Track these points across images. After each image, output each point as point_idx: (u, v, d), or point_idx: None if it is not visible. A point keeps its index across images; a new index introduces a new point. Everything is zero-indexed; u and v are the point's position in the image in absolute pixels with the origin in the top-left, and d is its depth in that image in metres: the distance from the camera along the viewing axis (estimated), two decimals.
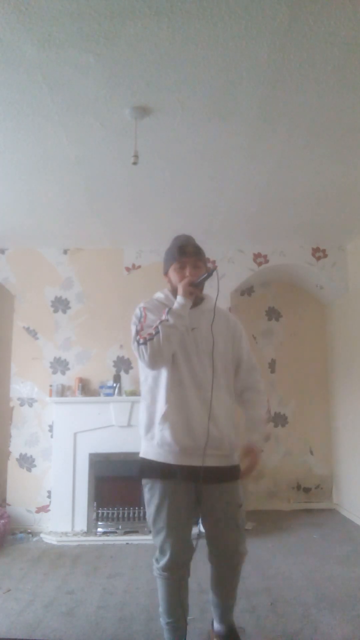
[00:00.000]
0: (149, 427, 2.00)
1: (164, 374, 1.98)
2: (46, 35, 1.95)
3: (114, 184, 3.33)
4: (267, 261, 4.66)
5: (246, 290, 5.22)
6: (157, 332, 1.88)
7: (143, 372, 2.07)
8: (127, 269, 4.70)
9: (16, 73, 2.17)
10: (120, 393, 4.33)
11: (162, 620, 2.02)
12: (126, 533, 4.01)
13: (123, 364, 4.52)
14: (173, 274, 2.08)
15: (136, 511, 4.10)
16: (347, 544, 3.75)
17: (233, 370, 2.13)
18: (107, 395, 4.33)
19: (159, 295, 2.15)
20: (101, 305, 4.61)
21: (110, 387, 4.36)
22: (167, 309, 1.94)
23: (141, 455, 2.04)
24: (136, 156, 2.53)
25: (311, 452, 5.01)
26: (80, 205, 3.68)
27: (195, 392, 1.96)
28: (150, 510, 1.98)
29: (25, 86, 2.26)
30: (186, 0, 1.78)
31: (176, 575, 1.95)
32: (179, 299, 1.94)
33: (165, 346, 1.88)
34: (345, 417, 4.67)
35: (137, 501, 4.12)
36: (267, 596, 2.80)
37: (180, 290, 1.97)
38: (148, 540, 3.89)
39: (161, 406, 1.96)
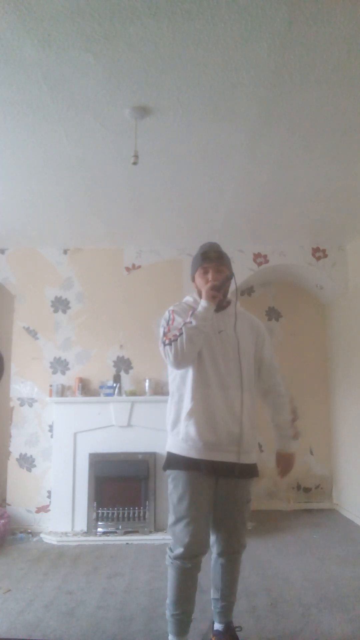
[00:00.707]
0: (175, 422, 2.09)
1: (190, 373, 2.07)
2: (46, 35, 1.95)
3: (114, 184, 3.33)
4: (267, 261, 4.66)
5: (246, 290, 5.22)
6: (181, 334, 1.98)
7: (172, 372, 2.16)
8: (127, 269, 4.70)
9: (16, 73, 2.17)
10: (120, 393, 4.33)
11: (168, 613, 2.06)
12: (126, 533, 4.00)
13: (123, 364, 4.52)
14: (198, 279, 2.19)
15: (136, 511, 4.09)
16: (347, 544, 3.75)
17: (256, 371, 2.22)
18: (107, 395, 4.33)
19: (188, 298, 2.24)
20: (101, 305, 4.61)
21: (110, 387, 4.36)
22: (191, 312, 2.04)
23: (167, 449, 2.12)
24: (136, 156, 2.53)
25: (311, 452, 5.01)
26: (80, 205, 3.68)
27: (220, 391, 2.05)
28: (172, 499, 2.05)
29: (25, 86, 2.26)
30: (186, 0, 1.78)
31: (188, 564, 2.00)
32: (202, 302, 2.04)
33: (189, 347, 1.97)
34: (345, 417, 4.67)
35: (137, 501, 4.12)
36: (267, 596, 2.80)
37: (203, 294, 2.07)
38: (148, 540, 3.89)
39: (187, 403, 2.05)
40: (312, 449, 5.01)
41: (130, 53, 2.05)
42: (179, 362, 2.01)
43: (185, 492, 2.00)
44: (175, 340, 1.98)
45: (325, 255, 4.67)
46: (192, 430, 2.01)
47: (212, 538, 2.16)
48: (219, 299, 2.07)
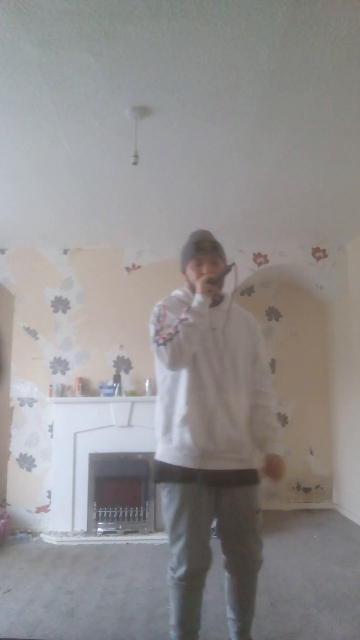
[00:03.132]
0: (167, 429, 1.92)
1: (184, 374, 1.91)
2: (46, 35, 1.95)
3: (114, 184, 3.33)
4: (267, 261, 4.66)
5: (246, 290, 5.22)
6: (177, 332, 1.81)
7: (161, 372, 1.99)
8: (127, 269, 4.70)
9: (16, 73, 2.17)
10: (120, 393, 4.33)
11: (173, 634, 1.92)
12: (126, 533, 4.00)
13: (123, 364, 4.52)
14: (190, 272, 2.02)
15: (136, 511, 4.10)
16: (347, 544, 3.75)
17: (251, 371, 2.05)
18: (107, 395, 4.33)
19: (178, 292, 2.07)
20: (101, 305, 4.61)
21: (110, 387, 4.36)
22: (186, 308, 1.87)
23: (158, 458, 1.95)
24: (136, 156, 2.54)
25: (311, 452, 5.01)
26: (80, 205, 3.68)
27: (216, 393, 1.88)
28: (168, 515, 1.90)
29: (25, 86, 2.26)
30: (186, 0, 1.78)
31: (194, 584, 1.87)
32: (198, 297, 1.88)
33: (186, 346, 1.81)
34: (345, 417, 4.67)
35: (137, 501, 4.13)
36: (267, 596, 2.80)
37: (198, 288, 1.90)
38: (148, 540, 3.89)
39: (181, 408, 1.88)
40: (312, 449, 5.01)
41: (130, 53, 2.05)
42: (176, 363, 1.84)
43: (183, 507, 1.84)
44: (171, 339, 1.81)
45: (325, 255, 4.67)
46: (187, 438, 1.83)
47: (224, 558, 1.98)
48: (215, 293, 1.91)
